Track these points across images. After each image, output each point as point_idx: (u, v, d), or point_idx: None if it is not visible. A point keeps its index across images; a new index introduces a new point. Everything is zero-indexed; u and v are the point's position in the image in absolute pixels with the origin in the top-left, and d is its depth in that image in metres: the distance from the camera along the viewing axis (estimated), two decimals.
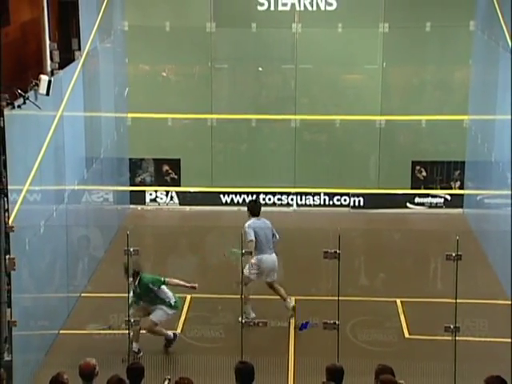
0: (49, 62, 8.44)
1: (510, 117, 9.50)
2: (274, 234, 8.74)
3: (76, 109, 9.34)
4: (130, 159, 12.34)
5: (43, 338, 8.13)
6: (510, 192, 9.45)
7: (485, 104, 11.14)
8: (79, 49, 9.37)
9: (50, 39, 8.44)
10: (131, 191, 12.37)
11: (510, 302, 8.87)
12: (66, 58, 9.01)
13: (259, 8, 11.86)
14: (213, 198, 12.16)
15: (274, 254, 8.70)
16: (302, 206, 12.38)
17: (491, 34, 10.71)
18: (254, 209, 8.79)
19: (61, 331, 8.50)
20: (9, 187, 6.87)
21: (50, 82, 7.45)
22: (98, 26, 10.12)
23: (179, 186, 12.33)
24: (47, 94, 7.46)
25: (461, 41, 11.79)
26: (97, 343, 8.12)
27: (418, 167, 12.27)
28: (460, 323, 7.22)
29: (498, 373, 5.43)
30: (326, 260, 7.11)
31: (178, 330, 8.51)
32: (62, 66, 8.65)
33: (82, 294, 9.38)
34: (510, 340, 7.70)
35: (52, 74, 8.35)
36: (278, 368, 7.68)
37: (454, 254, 7.04)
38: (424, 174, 12.32)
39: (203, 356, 7.81)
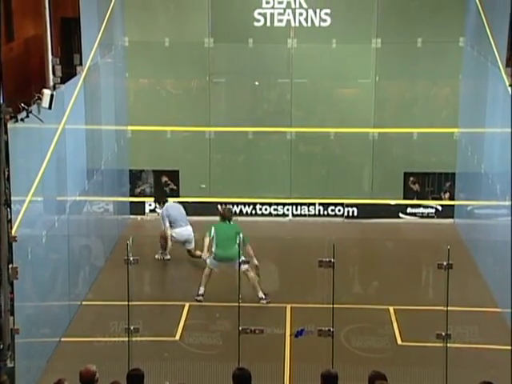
0: (51, 76, 8.49)
1: (498, 130, 9.73)
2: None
3: (77, 122, 9.39)
4: (130, 171, 12.36)
5: (45, 346, 8.14)
6: (498, 202, 9.63)
7: (474, 117, 11.20)
8: (81, 64, 9.43)
9: (52, 54, 8.48)
10: (131, 202, 12.40)
11: (499, 310, 9.08)
12: (68, 72, 9.07)
13: (256, 24, 11.93)
14: (211, 208, 12.16)
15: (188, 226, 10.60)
16: (297, 216, 12.43)
17: (480, 50, 10.80)
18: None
19: (62, 338, 8.53)
20: (12, 198, 6.93)
21: (52, 95, 7.46)
22: (99, 42, 10.18)
23: (178, 196, 12.34)
24: (49, 107, 7.47)
25: (451, 56, 11.86)
26: (97, 350, 8.16)
27: (410, 179, 12.32)
28: (451, 330, 7.25)
29: (488, 379, 5.53)
30: (321, 269, 7.14)
31: (177, 337, 8.62)
32: (64, 80, 8.70)
33: (83, 302, 9.41)
34: (499, 346, 7.92)
35: (54, 88, 8.39)
36: (274, 374, 7.72)
37: (445, 263, 7.06)
38: (416, 185, 12.46)
39: (201, 362, 7.86)
